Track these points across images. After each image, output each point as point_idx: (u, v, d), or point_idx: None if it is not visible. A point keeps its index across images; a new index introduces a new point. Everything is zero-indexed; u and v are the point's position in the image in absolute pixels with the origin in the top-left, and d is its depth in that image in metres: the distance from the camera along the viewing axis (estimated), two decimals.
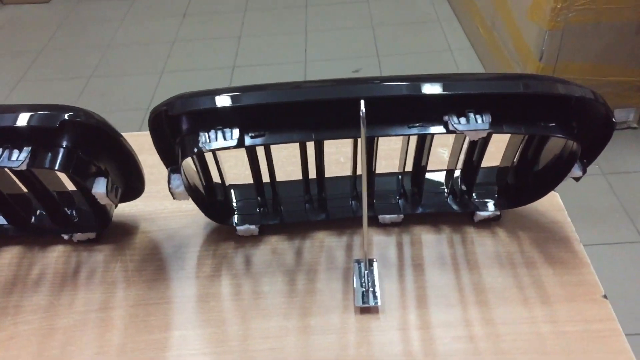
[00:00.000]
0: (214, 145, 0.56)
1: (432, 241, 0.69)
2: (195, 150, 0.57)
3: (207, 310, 0.63)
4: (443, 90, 0.55)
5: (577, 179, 0.63)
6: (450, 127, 0.55)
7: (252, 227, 0.70)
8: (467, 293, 0.63)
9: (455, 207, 0.70)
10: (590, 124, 0.58)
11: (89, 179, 0.62)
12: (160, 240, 0.72)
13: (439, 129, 0.56)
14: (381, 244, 0.69)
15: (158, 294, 0.65)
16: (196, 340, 0.60)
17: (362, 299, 0.62)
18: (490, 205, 0.69)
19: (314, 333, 0.60)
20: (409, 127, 0.57)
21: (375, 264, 0.65)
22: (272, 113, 0.57)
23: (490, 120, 0.56)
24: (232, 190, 0.73)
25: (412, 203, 0.71)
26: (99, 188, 0.63)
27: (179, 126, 0.58)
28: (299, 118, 0.57)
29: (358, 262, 0.66)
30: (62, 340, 0.61)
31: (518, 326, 0.59)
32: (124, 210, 0.75)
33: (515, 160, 0.69)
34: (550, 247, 0.67)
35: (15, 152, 0.58)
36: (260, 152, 0.66)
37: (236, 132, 0.56)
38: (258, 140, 0.57)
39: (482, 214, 0.69)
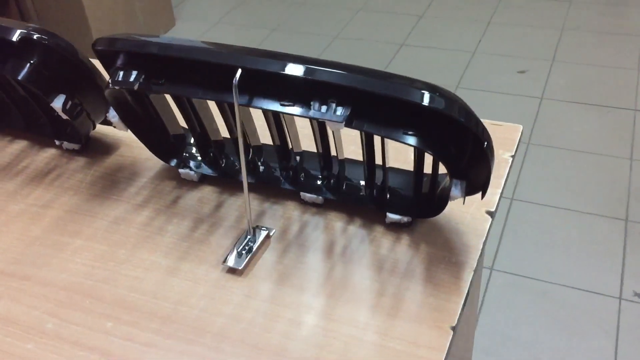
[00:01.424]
0: (117, 83, 0.63)
1: (336, 229, 0.69)
2: (108, 85, 0.64)
3: (114, 231, 0.71)
4: (307, 75, 0.55)
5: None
6: (309, 113, 0.55)
7: (192, 172, 0.76)
8: (328, 284, 0.62)
9: (368, 203, 0.69)
10: (460, 145, 0.54)
11: (50, 93, 0.72)
12: (124, 164, 0.81)
13: (303, 112, 0.56)
14: (290, 219, 0.71)
15: (89, 207, 0.74)
16: (89, 252, 0.68)
17: (226, 258, 0.65)
18: (399, 209, 0.67)
19: (176, 276, 0.65)
20: (281, 105, 0.58)
21: (262, 233, 0.67)
22: (172, 66, 0.61)
23: (347, 114, 0.54)
24: (189, 136, 0.79)
25: (333, 189, 0.71)
26: (57, 103, 0.73)
27: (109, 61, 0.66)
28: (193, 76, 0.61)
29: (256, 228, 0.68)
30: (1, 221, 0.73)
31: (346, 327, 0.58)
32: (115, 133, 0.85)
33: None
34: (439, 267, 0.63)
35: None
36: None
37: (136, 74, 0.62)
38: (155, 88, 0.62)
39: (392, 216, 0.67)
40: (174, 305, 0.62)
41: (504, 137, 0.80)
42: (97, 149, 0.84)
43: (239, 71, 0.57)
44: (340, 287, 0.62)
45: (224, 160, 0.76)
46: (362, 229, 0.69)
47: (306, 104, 0.57)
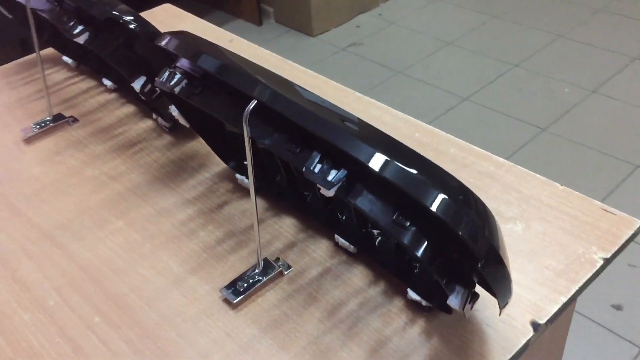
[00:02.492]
0: (160, 83, 0.61)
1: (354, 288, 0.61)
2: (157, 84, 0.63)
3: (153, 222, 0.71)
4: (302, 121, 0.48)
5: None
6: (303, 168, 0.49)
7: (246, 180, 0.73)
8: (311, 350, 0.56)
9: (392, 270, 0.60)
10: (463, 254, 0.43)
11: (131, 74, 0.74)
12: (198, 154, 0.80)
13: (299, 164, 0.50)
14: (315, 260, 0.65)
15: (147, 190, 0.76)
16: (122, 238, 0.70)
17: (228, 287, 0.61)
18: (421, 290, 0.57)
19: (178, 288, 0.63)
20: (287, 150, 0.52)
21: (276, 269, 0.63)
22: (208, 79, 0.58)
23: (341, 177, 0.47)
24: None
25: (366, 241, 0.63)
26: (136, 84, 0.74)
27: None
28: (222, 94, 0.57)
29: (275, 260, 0.64)
30: (73, 182, 0.78)
31: None
32: None
33: None
34: None
35: (80, 27, 0.73)
36: None
37: (178, 77, 0.60)
38: (192, 96, 0.60)
39: (412, 294, 0.58)
40: (159, 319, 0.60)
41: (609, 230, 0.65)
42: (185, 131, 0.84)
43: (253, 103, 0.52)
44: (315, 346, 0.56)
45: (281, 176, 0.72)
46: (380, 296, 0.60)
47: (307, 155, 0.50)
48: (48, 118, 0.87)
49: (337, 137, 0.46)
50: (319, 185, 0.48)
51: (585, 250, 0.63)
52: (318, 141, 0.49)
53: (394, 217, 0.46)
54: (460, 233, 0.42)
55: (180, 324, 0.60)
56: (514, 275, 0.58)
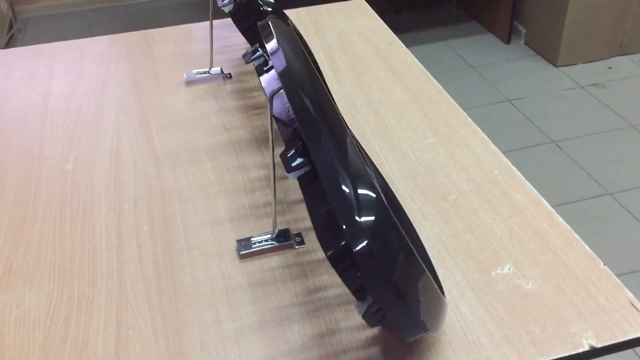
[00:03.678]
0: (244, 56, 0.72)
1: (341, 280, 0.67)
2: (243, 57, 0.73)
3: (231, 173, 0.83)
4: (290, 114, 0.54)
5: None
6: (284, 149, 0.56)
7: None
8: (275, 309, 0.63)
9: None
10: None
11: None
12: None
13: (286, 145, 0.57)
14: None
15: (244, 146, 0.88)
16: (200, 175, 0.83)
17: (242, 240, 0.71)
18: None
19: (215, 226, 0.74)
20: (286, 132, 0.59)
21: (289, 241, 0.70)
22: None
23: (300, 166, 0.53)
24: None
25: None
26: (255, 62, 0.86)
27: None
28: None
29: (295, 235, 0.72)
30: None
31: None
32: None
33: None
34: None
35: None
36: None
37: (258, 55, 0.70)
38: (261, 74, 0.69)
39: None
40: (184, 246, 0.72)
41: (619, 323, 0.60)
42: None
43: (278, 87, 0.60)
44: (276, 324, 0.63)
45: None
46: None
47: (295, 143, 0.57)
48: (208, 70, 1.03)
49: (307, 132, 0.52)
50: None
51: (578, 331, 0.60)
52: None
53: (326, 222, 0.51)
54: (357, 259, 0.46)
55: (196, 255, 0.71)
56: (496, 321, 0.59)
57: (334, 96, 0.97)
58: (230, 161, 0.85)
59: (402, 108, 0.94)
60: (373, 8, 1.24)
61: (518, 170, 0.80)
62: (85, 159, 0.87)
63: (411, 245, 0.49)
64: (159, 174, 0.84)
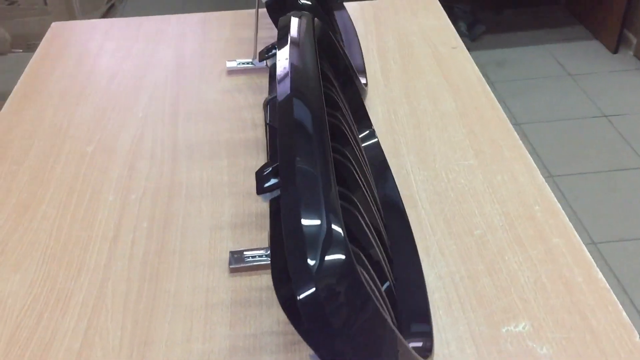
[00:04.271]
0: (261, 54, 0.66)
1: None
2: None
3: (246, 175, 0.78)
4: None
5: None
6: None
7: None
8: (252, 336, 0.58)
9: None
10: None
11: None
12: None
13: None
14: None
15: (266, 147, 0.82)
16: (214, 172, 0.78)
17: (235, 252, 0.65)
18: None
19: (214, 232, 0.70)
20: (272, 146, 0.52)
21: None
22: None
23: (273, 187, 0.46)
24: None
25: None
26: None
27: None
28: None
29: None
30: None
31: None
32: None
33: None
34: None
35: None
36: None
37: (272, 53, 0.64)
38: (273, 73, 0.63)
39: None
40: (179, 246, 0.68)
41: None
42: None
43: (272, 96, 0.53)
44: (249, 352, 0.57)
45: None
46: None
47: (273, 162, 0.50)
48: (251, 60, 0.98)
49: (282, 152, 0.46)
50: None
51: None
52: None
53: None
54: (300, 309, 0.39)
55: (186, 261, 0.66)
56: None
57: (377, 100, 0.89)
58: (249, 161, 0.80)
59: (447, 121, 0.85)
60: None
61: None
62: (107, 142, 0.85)
63: (376, 301, 0.41)
64: (174, 166, 0.80)
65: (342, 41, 0.91)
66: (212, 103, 0.91)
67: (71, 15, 2.59)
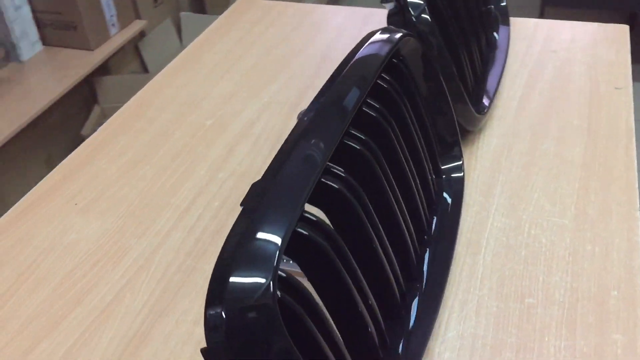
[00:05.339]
0: None
1: None
2: None
3: None
4: None
5: None
6: None
7: None
8: None
9: None
10: None
11: None
12: None
13: None
14: None
15: None
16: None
17: None
18: None
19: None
20: None
21: None
22: None
23: None
24: None
25: None
26: None
27: None
28: None
29: None
30: None
31: None
32: None
33: None
34: None
35: None
36: None
37: None
38: None
39: None
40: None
41: None
42: None
43: (302, 111, 0.53)
44: None
45: None
46: None
47: None
48: None
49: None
50: None
51: None
52: None
53: None
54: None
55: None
56: None
57: (496, 129, 0.82)
58: None
59: (563, 169, 0.75)
60: None
61: None
62: (225, 119, 0.90)
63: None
64: (268, 157, 0.82)
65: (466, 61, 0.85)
66: None
67: None
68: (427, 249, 0.63)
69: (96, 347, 0.60)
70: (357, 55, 0.58)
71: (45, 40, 2.31)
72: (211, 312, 0.39)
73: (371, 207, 0.53)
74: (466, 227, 0.69)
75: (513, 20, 1.05)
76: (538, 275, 0.63)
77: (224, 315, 0.39)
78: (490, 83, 0.87)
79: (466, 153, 0.79)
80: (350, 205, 0.50)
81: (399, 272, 0.56)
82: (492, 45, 0.96)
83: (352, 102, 0.53)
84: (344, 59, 0.59)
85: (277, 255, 0.41)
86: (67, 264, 0.69)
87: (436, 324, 0.58)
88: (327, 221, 0.50)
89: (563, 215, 0.69)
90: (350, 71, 0.56)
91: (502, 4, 1.03)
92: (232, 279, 0.40)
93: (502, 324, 0.58)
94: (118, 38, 2.33)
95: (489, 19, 0.98)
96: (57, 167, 0.82)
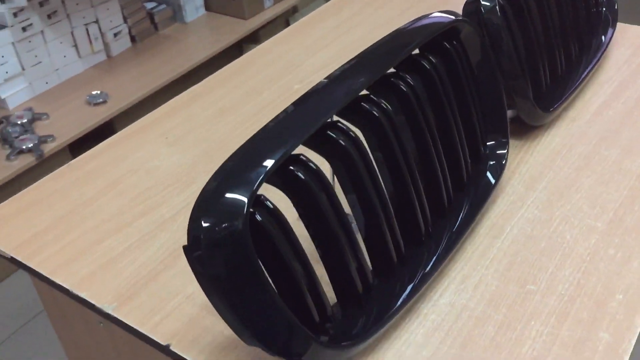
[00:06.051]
0: None
1: None
2: None
3: None
4: None
5: None
6: None
7: None
8: None
9: None
10: None
11: None
12: None
13: None
14: None
15: None
16: None
17: None
18: None
19: None
20: None
21: None
22: None
23: None
24: None
25: None
26: None
27: None
28: None
29: None
30: None
31: None
32: None
33: None
34: None
35: None
36: None
37: None
38: None
39: None
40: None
41: None
42: None
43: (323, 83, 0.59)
44: None
45: None
46: None
47: None
48: None
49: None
50: None
51: None
52: None
53: None
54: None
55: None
56: None
57: (561, 129, 0.82)
58: None
59: (617, 178, 0.74)
60: None
61: None
62: (311, 85, 0.97)
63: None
64: None
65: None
66: None
67: None
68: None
69: (146, 251, 0.71)
70: (398, 30, 0.63)
71: (208, 6, 2.53)
72: (193, 218, 0.48)
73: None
74: (495, 212, 0.71)
75: (623, 26, 1.02)
76: (549, 267, 0.64)
77: (203, 224, 0.47)
78: (571, 84, 0.87)
79: (524, 146, 0.80)
80: (383, 129, 0.57)
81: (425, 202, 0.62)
82: (591, 47, 0.94)
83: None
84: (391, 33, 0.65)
85: (259, 179, 0.48)
86: (145, 183, 0.81)
87: (431, 291, 0.62)
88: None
89: (598, 219, 0.69)
90: (383, 43, 0.61)
91: (614, 8, 1.01)
92: (215, 197, 0.48)
93: (495, 301, 0.61)
94: (271, 11, 2.49)
95: (596, 20, 0.97)
96: (160, 107, 0.95)
